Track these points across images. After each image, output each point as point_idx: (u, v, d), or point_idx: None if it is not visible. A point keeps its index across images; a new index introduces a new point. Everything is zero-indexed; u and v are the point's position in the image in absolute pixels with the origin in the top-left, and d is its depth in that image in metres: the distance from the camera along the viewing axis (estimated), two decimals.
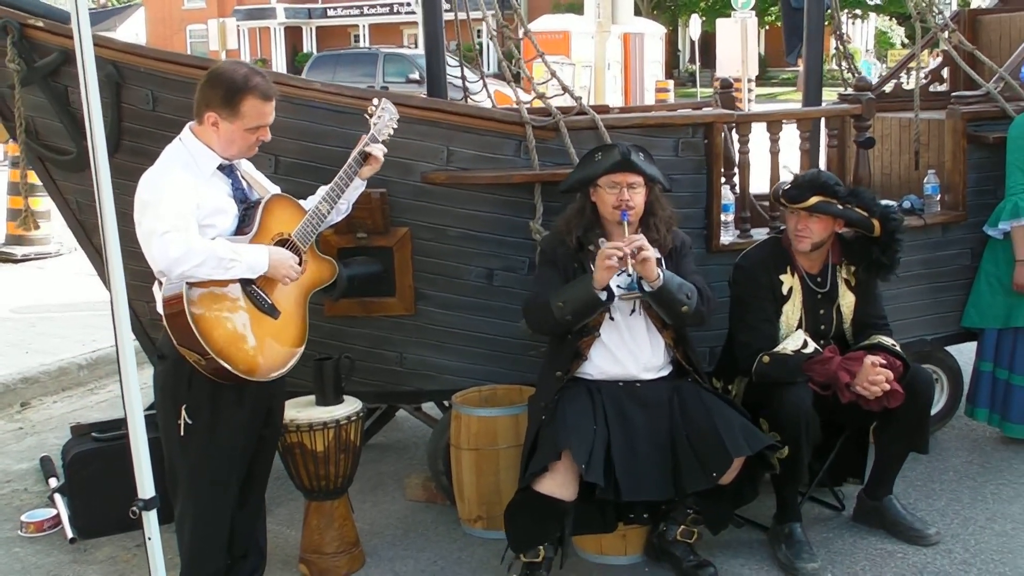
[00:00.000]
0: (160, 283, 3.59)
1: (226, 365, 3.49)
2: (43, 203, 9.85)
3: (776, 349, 4.46)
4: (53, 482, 5.33)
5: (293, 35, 55.31)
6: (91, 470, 4.88)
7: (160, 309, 3.59)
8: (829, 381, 4.39)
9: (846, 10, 43.67)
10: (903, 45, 44.48)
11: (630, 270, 4.11)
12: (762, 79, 39.20)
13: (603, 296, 4.15)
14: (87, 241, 5.20)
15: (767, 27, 44.12)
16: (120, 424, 5.07)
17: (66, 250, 11.50)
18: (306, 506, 4.52)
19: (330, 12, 55.27)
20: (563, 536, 4.18)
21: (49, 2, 4.88)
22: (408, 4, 47.96)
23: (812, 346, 4.47)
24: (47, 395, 7.21)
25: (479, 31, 6.54)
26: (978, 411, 5.69)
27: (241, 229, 3.69)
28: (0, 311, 9.02)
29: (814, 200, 4.45)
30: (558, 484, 3.98)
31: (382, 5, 52.82)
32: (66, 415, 6.77)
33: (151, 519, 3.35)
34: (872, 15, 47.33)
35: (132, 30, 52.30)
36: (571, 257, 4.32)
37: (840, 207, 4.47)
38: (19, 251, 11.32)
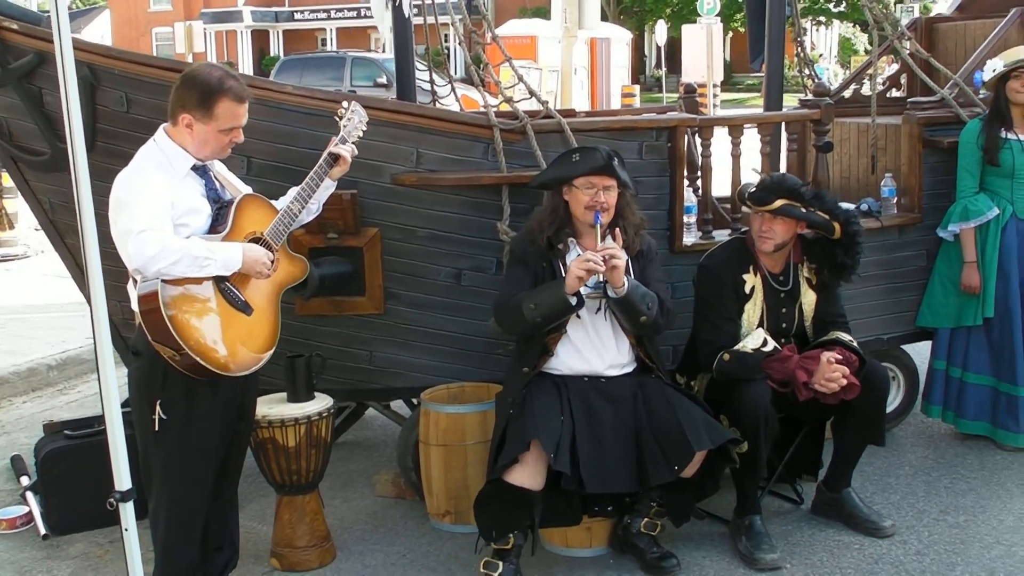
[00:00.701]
0: (135, 281, 3.65)
1: (200, 361, 3.56)
2: (11, 205, 9.87)
3: (736, 347, 4.58)
4: (24, 480, 5.38)
5: (260, 38, 55.13)
6: (64, 467, 4.94)
7: (135, 306, 3.66)
8: (787, 379, 4.52)
9: (810, 17, 44.10)
10: (866, 52, 44.87)
11: (600, 278, 4.23)
12: (727, 85, 39.50)
13: (573, 301, 4.26)
14: (60, 241, 5.25)
15: (732, 33, 44.39)
16: (92, 422, 5.15)
17: (33, 252, 11.50)
18: (277, 501, 4.60)
19: (297, 15, 55.13)
20: (533, 524, 4.28)
21: (19, 4, 4.93)
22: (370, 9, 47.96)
23: (771, 344, 4.60)
24: (16, 395, 7.24)
25: (446, 35, 6.63)
26: (932, 408, 5.85)
27: (214, 228, 3.77)
28: None
29: (779, 203, 4.57)
30: (527, 474, 4.09)
31: (349, 9, 52.71)
32: (36, 415, 6.81)
33: (127, 511, 3.42)
34: (836, 22, 47.78)
35: (97, 32, 51.85)
36: (541, 256, 4.42)
37: (804, 210, 4.60)
38: None
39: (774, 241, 4.65)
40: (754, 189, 4.68)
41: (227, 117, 3.74)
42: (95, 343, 3.38)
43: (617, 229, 4.44)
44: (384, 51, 31.43)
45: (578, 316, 4.38)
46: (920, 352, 6.16)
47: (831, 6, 44.29)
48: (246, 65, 52.30)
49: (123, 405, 3.82)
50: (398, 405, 5.80)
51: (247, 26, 53.74)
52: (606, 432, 4.23)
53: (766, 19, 6.29)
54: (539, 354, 4.41)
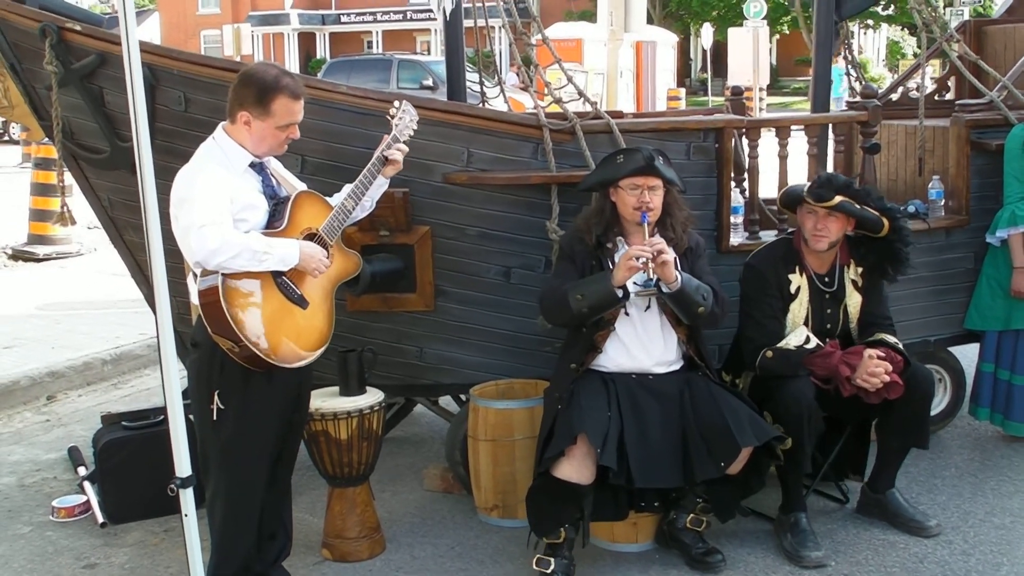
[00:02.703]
0: (195, 275, 3.76)
1: (258, 352, 3.67)
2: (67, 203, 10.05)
3: (779, 344, 4.62)
4: (82, 470, 5.52)
5: (307, 41, 55.55)
6: (121, 457, 5.06)
7: (195, 300, 3.76)
8: (830, 375, 4.55)
9: (857, 20, 43.76)
10: (914, 55, 44.51)
11: (650, 273, 4.29)
12: (773, 88, 39.32)
13: (620, 293, 4.32)
14: (118, 238, 5.39)
15: (778, 36, 44.22)
16: (149, 414, 5.27)
17: (86, 250, 11.74)
18: (329, 493, 4.70)
19: (343, 18, 55.51)
20: (583, 516, 4.34)
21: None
22: (421, 12, 48.20)
23: (814, 341, 4.63)
24: (72, 389, 7.39)
25: (493, 38, 6.69)
26: (980, 410, 5.84)
27: (271, 223, 3.87)
28: (26, 308, 9.23)
29: (838, 199, 4.60)
30: (574, 468, 4.15)
31: (395, 12, 53.05)
32: (91, 408, 6.95)
33: (187, 496, 3.53)
34: (884, 25, 47.44)
35: (147, 34, 52.17)
36: (589, 255, 4.49)
37: (859, 207, 4.63)
38: (41, 250, 11.54)
39: (828, 239, 4.68)
40: (815, 187, 4.69)
41: (284, 113, 3.85)
42: (158, 333, 3.49)
43: (663, 228, 4.49)
44: (429, 53, 31.61)
45: (627, 313, 4.44)
46: (967, 355, 6.15)
47: (879, 9, 43.95)
48: (293, 67, 52.55)
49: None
50: (446, 401, 5.88)
51: (294, 29, 54.17)
52: (653, 428, 4.28)
53: (814, 21, 6.31)
54: (587, 350, 4.48)
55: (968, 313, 5.79)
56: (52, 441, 6.33)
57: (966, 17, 25.03)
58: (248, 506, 4.00)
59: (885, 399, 4.53)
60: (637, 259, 4.23)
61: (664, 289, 4.34)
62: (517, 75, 5.30)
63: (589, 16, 34.21)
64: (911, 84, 7.07)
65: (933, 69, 8.92)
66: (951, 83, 7.15)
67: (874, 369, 4.46)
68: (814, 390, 4.54)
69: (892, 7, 43.52)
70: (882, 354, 4.52)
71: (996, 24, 7.32)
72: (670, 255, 4.30)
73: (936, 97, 6.92)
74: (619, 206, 4.48)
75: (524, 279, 4.99)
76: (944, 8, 32.99)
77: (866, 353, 4.51)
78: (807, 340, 4.62)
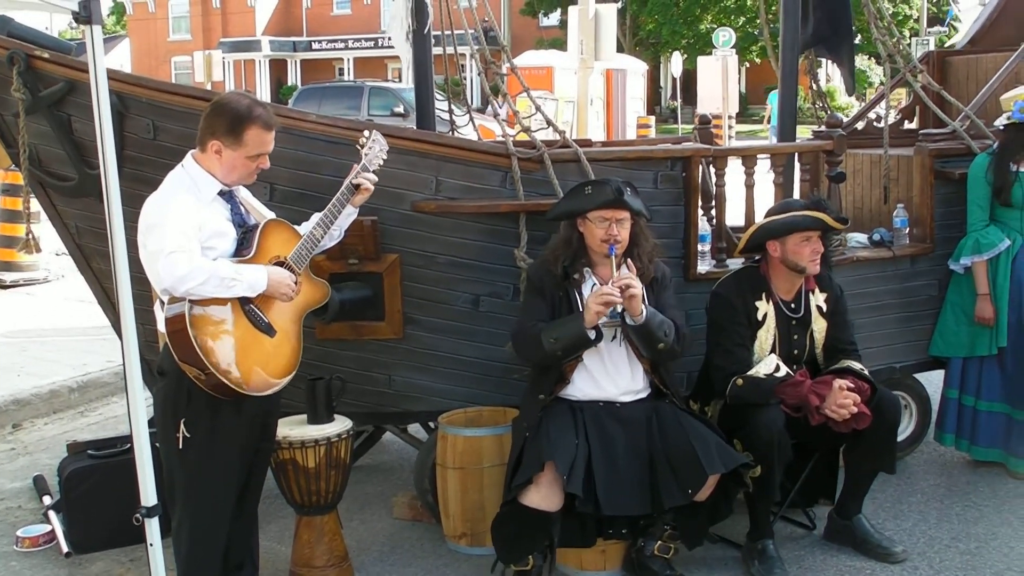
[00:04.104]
0: (162, 303, 3.76)
1: (225, 380, 3.66)
2: (35, 229, 9.98)
3: (749, 372, 4.65)
4: (47, 499, 5.46)
5: (278, 68, 55.59)
6: (87, 486, 5.02)
7: (162, 327, 3.76)
8: (800, 403, 4.58)
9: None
10: (880, 84, 44.99)
11: (617, 307, 4.31)
12: (742, 116, 39.64)
13: (592, 335, 4.34)
14: (85, 265, 5.35)
15: (747, 65, 44.59)
16: (115, 442, 5.23)
17: (54, 276, 11.67)
18: (297, 521, 4.68)
19: (315, 45, 55.61)
20: (551, 544, 4.34)
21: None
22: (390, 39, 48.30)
23: (784, 370, 4.66)
24: (38, 417, 7.33)
25: (463, 66, 6.73)
26: (946, 436, 5.88)
27: (240, 251, 3.87)
28: None
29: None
30: (542, 496, 4.15)
31: (367, 39, 53.16)
32: (57, 436, 6.89)
33: (153, 526, 3.52)
34: None
35: (117, 61, 52.31)
36: (557, 285, 4.51)
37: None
38: (8, 277, 11.46)
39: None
40: (825, 212, 4.75)
41: (255, 144, 3.86)
42: (124, 360, 3.49)
43: (630, 259, 4.52)
44: (401, 81, 31.70)
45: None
46: (932, 381, 6.21)
47: None
48: (264, 94, 52.66)
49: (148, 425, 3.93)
50: (415, 429, 5.87)
51: (265, 55, 54.20)
52: (620, 455, 4.30)
53: (780, 52, 6.38)
54: (555, 381, 4.49)
55: (933, 340, 5.85)
56: (17, 470, 6.27)
57: (931, 47, 25.40)
58: (214, 535, 3.98)
59: (853, 429, 4.56)
60: (606, 304, 4.27)
61: (629, 321, 4.37)
62: (500, 104, 5.29)
63: (560, 44, 34.42)
64: (874, 114, 7.15)
65: (898, 99, 9.03)
66: (916, 112, 7.25)
67: (843, 400, 4.50)
68: (784, 418, 4.57)
69: (858, 37, 43.99)
70: (851, 385, 4.56)
71: (959, 55, 7.44)
72: (638, 289, 4.33)
73: (901, 127, 7.01)
74: (587, 237, 4.50)
75: (493, 307, 5.01)
76: (910, 39, 33.45)
77: (835, 384, 4.54)
78: (777, 368, 4.65)
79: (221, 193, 3.92)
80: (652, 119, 31.98)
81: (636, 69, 33.40)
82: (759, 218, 4.97)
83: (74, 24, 3.43)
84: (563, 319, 4.42)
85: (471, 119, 6.38)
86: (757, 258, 4.97)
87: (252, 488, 4.17)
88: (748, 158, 5.44)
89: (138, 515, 3.51)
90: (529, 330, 4.43)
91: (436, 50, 6.08)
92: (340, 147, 4.68)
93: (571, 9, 20.17)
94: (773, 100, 24.20)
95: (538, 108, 5.35)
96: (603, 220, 4.41)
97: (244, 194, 4.09)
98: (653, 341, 4.39)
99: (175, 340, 3.66)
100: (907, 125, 7.18)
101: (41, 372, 7.87)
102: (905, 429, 5.94)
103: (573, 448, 4.21)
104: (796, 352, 4.83)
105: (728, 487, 4.41)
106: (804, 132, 7.60)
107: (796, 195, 5.75)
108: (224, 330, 3.73)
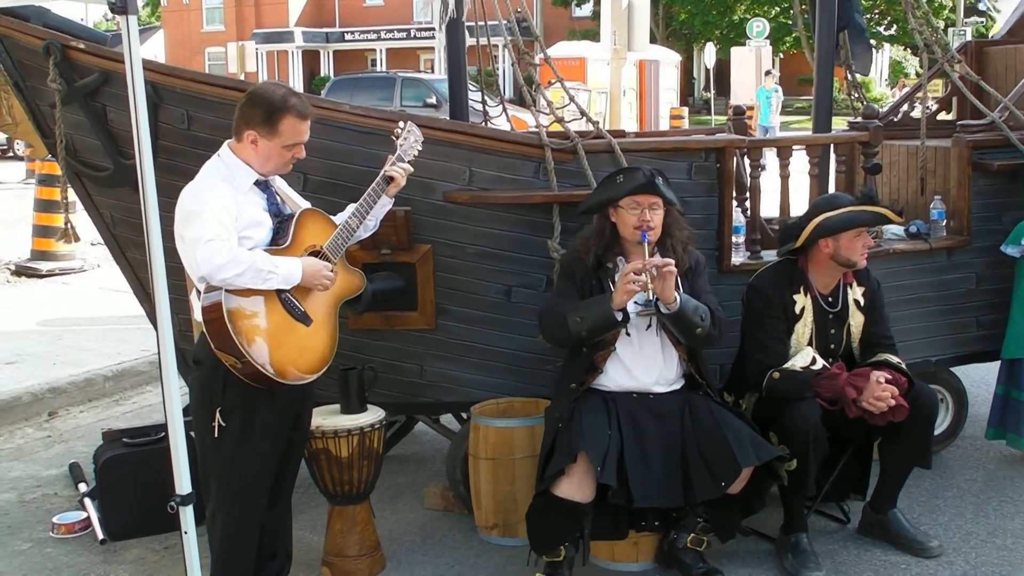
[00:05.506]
0: (198, 292, 3.78)
1: (261, 369, 3.68)
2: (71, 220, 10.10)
3: (786, 366, 4.62)
4: (82, 487, 5.51)
5: (310, 59, 55.72)
6: (122, 473, 5.07)
7: (198, 316, 3.77)
8: (836, 396, 4.55)
9: None
10: (917, 75, 44.62)
11: (650, 295, 4.29)
12: None
13: (619, 317, 4.33)
14: (121, 255, 5.39)
15: (781, 55, 44.33)
16: (150, 431, 5.28)
17: (89, 266, 11.76)
18: (329, 511, 4.69)
19: (347, 36, 55.68)
20: (583, 535, 4.33)
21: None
22: (425, 31, 48.37)
23: (820, 363, 4.63)
24: (74, 405, 7.39)
25: (495, 56, 6.71)
26: (992, 431, 5.76)
27: (275, 241, 3.89)
28: (28, 324, 9.24)
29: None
30: (575, 487, 4.15)
31: (399, 30, 53.22)
32: (92, 424, 6.96)
33: (187, 514, 3.53)
34: (887, 45, 47.55)
35: (151, 52, 52.45)
36: (589, 275, 4.50)
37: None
38: (44, 266, 11.56)
39: None
40: (861, 210, 4.72)
41: (291, 133, 3.87)
42: (159, 349, 3.50)
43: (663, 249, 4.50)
44: (433, 72, 31.71)
45: (627, 334, 4.44)
46: (968, 375, 6.14)
47: (882, 29, 44.08)
48: (296, 85, 52.82)
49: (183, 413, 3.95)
50: (447, 419, 5.89)
51: (298, 46, 54.33)
52: (653, 447, 4.28)
53: (815, 41, 6.32)
54: (587, 370, 4.48)
55: (1005, 343, 5.67)
56: (53, 457, 6.33)
57: (968, 38, 25.11)
58: (248, 524, 3.99)
59: (890, 421, 4.52)
60: (635, 281, 4.23)
61: (663, 310, 4.35)
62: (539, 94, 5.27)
63: (592, 35, 34.36)
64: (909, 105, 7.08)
65: (935, 90, 8.94)
66: (953, 103, 7.17)
67: (880, 393, 4.46)
68: (820, 412, 4.54)
69: (895, 27, 43.65)
70: (888, 377, 4.52)
71: (997, 45, 7.34)
72: (673, 268, 4.30)
73: (938, 117, 6.94)
74: (619, 226, 4.48)
75: (525, 298, 5.00)
76: (946, 29, 33.14)
77: (873, 376, 4.51)
78: (813, 361, 4.62)
79: (257, 183, 3.93)
80: (685, 110, 31.90)
81: (669, 60, 33.30)
82: (794, 211, 4.93)
83: (109, 15, 3.45)
84: (591, 299, 4.41)
85: (505, 110, 6.37)
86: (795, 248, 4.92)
87: (286, 478, 4.19)
88: (783, 149, 5.40)
89: (172, 503, 3.53)
90: (556, 309, 4.43)
91: (469, 41, 6.08)
92: (373, 137, 4.68)
93: None
94: (761, 96, 23.70)
95: (572, 99, 5.33)
96: (635, 206, 4.39)
97: (280, 184, 4.10)
98: (690, 327, 4.37)
99: (211, 328, 3.68)
100: (942, 116, 7.11)
101: (77, 361, 7.93)
102: (941, 423, 5.86)
103: (606, 439, 4.19)
104: (832, 347, 4.80)
105: (761, 480, 4.39)
106: (839, 123, 7.54)
107: (832, 187, 5.71)
108: (260, 319, 3.74)
